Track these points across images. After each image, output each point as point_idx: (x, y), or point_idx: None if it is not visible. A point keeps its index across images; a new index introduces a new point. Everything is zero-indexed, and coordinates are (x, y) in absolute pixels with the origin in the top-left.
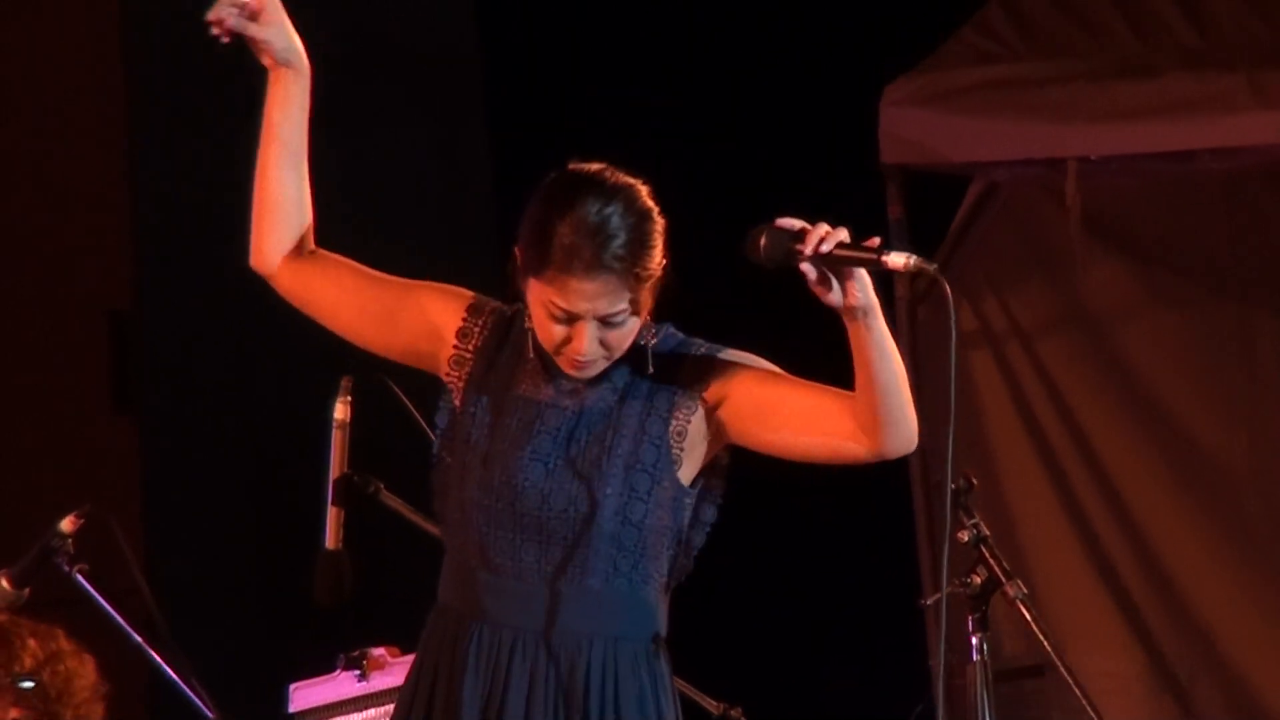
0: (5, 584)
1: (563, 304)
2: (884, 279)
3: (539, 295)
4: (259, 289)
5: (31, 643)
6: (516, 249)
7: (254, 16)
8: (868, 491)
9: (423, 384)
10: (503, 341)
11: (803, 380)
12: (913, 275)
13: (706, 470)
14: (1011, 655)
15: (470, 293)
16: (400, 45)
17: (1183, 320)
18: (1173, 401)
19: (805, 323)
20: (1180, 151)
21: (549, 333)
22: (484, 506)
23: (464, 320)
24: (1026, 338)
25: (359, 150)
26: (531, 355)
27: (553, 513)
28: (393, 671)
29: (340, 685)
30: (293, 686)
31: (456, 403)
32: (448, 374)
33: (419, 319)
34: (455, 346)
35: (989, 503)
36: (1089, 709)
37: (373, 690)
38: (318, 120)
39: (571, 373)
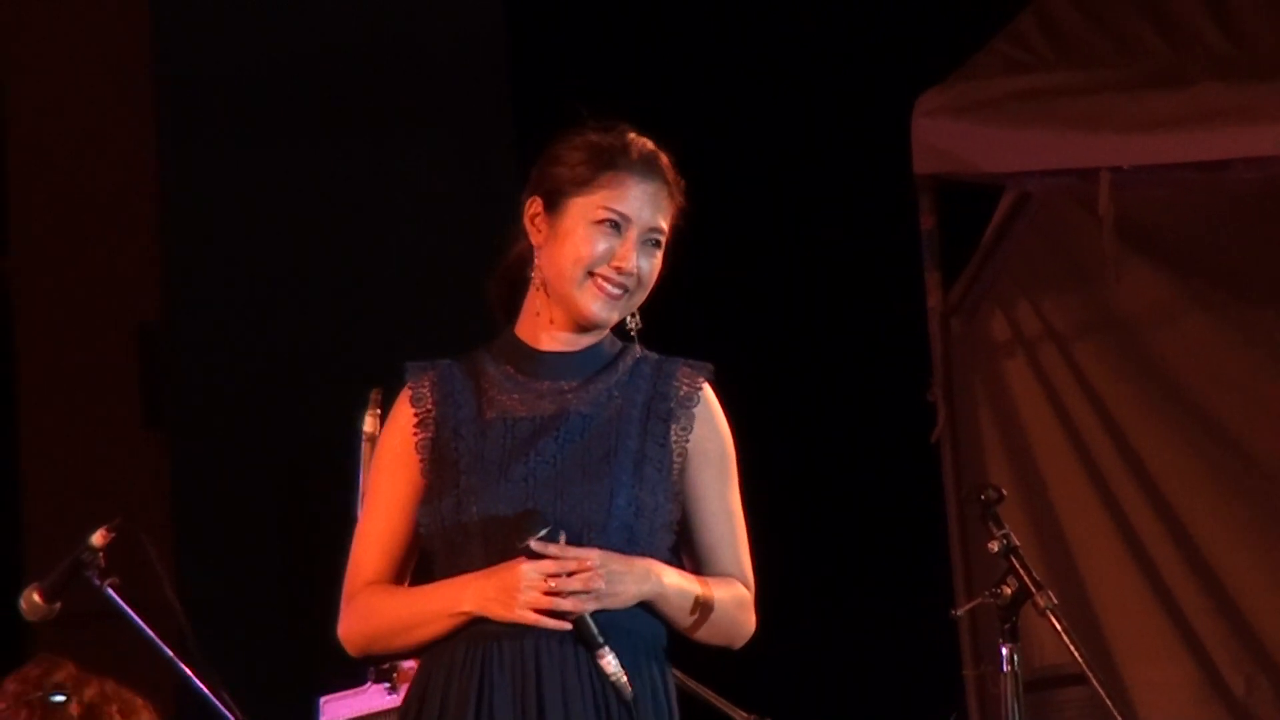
0: (37, 597)
1: (619, 206)
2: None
3: (583, 212)
4: (287, 303)
5: None
6: (537, 194)
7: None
8: (901, 501)
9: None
10: (456, 383)
11: (732, 523)
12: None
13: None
14: (1057, 663)
15: (401, 397)
16: (428, 46)
17: (1218, 325)
18: (1211, 406)
19: (818, 326)
20: (1213, 161)
21: (590, 248)
22: (495, 519)
23: (412, 400)
24: (1061, 346)
25: (386, 151)
26: (493, 371)
27: (567, 511)
28: None
29: (370, 698)
30: (323, 699)
31: (424, 459)
32: (416, 435)
33: (407, 468)
34: (415, 414)
35: (1034, 511)
36: None
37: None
38: (347, 121)
39: (596, 308)
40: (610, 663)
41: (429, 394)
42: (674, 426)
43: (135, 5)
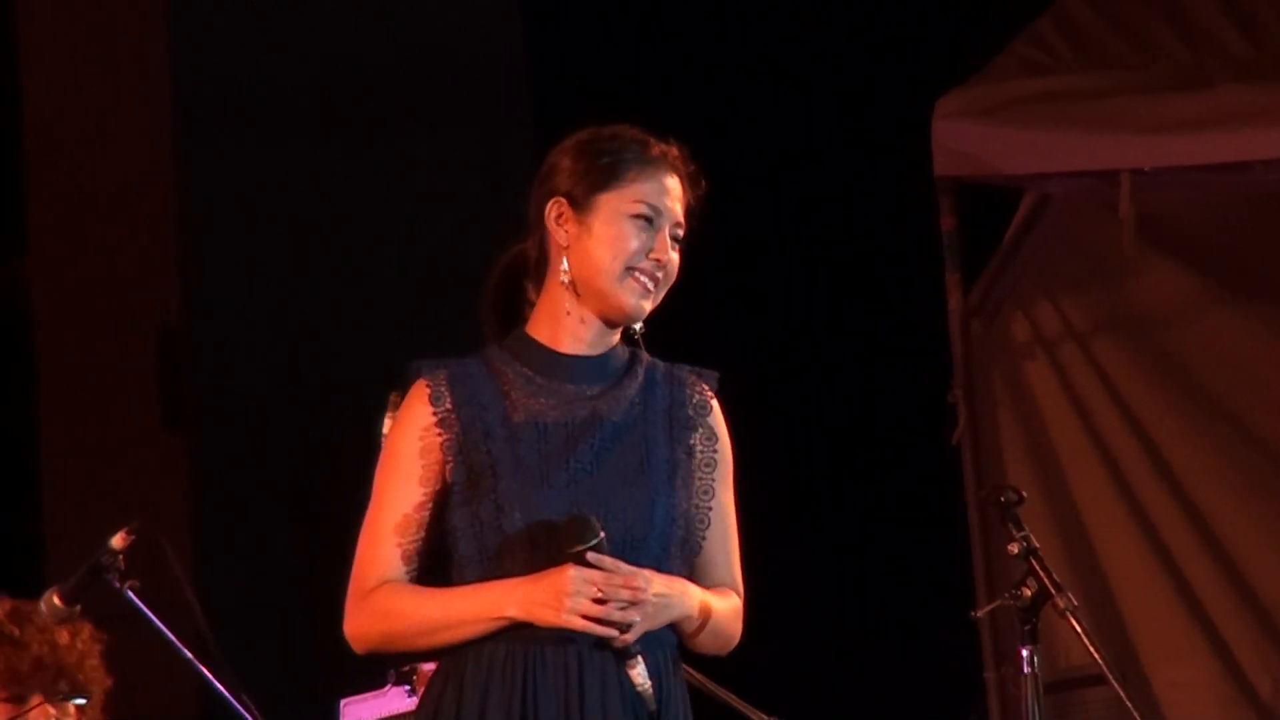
0: (56, 600)
1: (652, 200)
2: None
3: (616, 207)
4: (307, 305)
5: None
6: (560, 195)
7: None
8: (922, 503)
9: None
10: (476, 382)
11: (730, 530)
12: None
13: None
14: (1081, 664)
15: (415, 395)
16: (447, 49)
17: (1239, 324)
18: (1235, 405)
19: (838, 328)
20: (1233, 163)
21: (629, 243)
22: (539, 525)
23: (431, 399)
24: (1082, 347)
25: (406, 154)
26: (511, 373)
27: (610, 520)
28: None
29: (390, 700)
30: (343, 701)
31: (449, 460)
32: (440, 435)
33: (427, 467)
34: (434, 414)
35: (1057, 512)
36: None
37: None
38: (367, 125)
39: (636, 301)
40: (640, 673)
41: (447, 393)
42: (697, 435)
43: (154, 9)
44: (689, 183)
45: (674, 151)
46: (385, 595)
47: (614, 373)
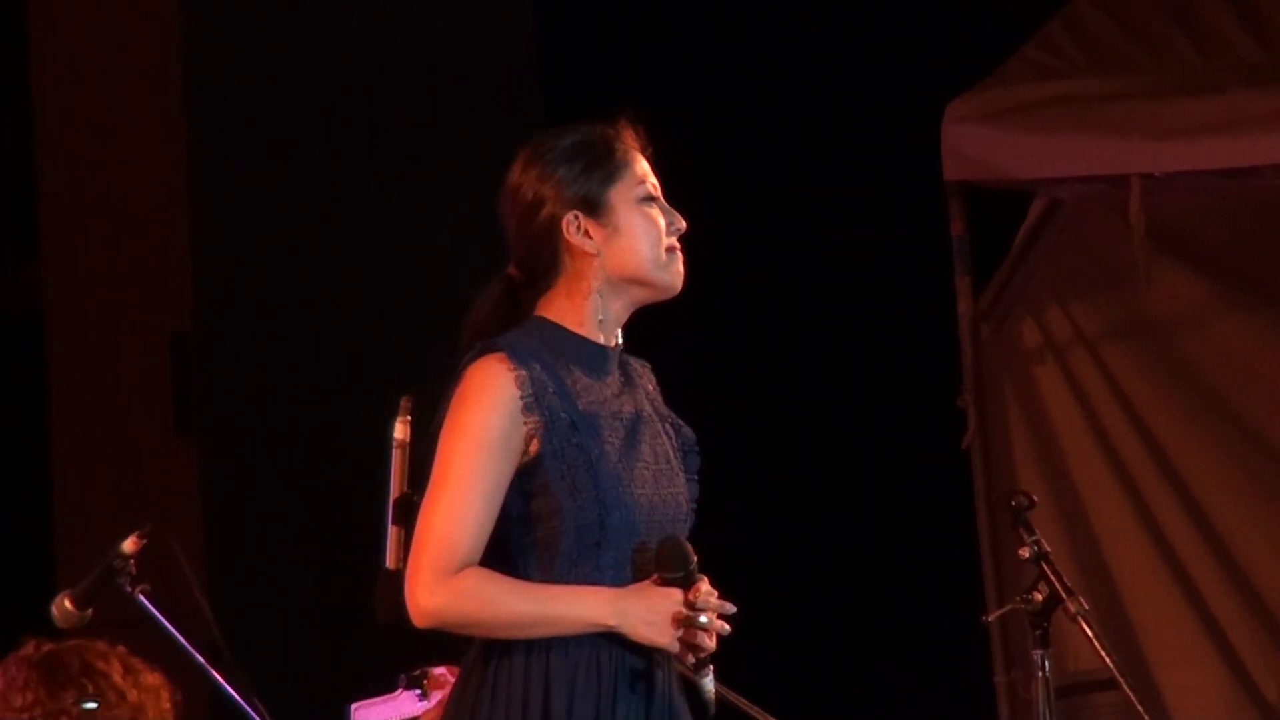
0: (68, 604)
1: (647, 178)
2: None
3: (627, 197)
4: (318, 311)
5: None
6: (572, 208)
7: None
8: (932, 508)
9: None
10: (542, 369)
11: None
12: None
13: None
14: (1090, 668)
15: (500, 373)
16: (458, 57)
17: (1250, 330)
18: (1245, 411)
19: (848, 332)
20: (1244, 168)
21: (658, 226)
22: (630, 528)
23: (518, 382)
24: (1092, 351)
25: (416, 160)
26: (558, 364)
27: (668, 520)
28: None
29: (401, 704)
30: (353, 706)
31: (539, 448)
32: (539, 422)
33: (515, 451)
34: (520, 398)
35: (1066, 517)
36: None
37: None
38: (378, 131)
39: (677, 276)
40: (710, 683)
41: (528, 377)
42: (677, 427)
43: (166, 15)
44: (643, 145)
45: (627, 125)
46: (477, 579)
47: (618, 364)
